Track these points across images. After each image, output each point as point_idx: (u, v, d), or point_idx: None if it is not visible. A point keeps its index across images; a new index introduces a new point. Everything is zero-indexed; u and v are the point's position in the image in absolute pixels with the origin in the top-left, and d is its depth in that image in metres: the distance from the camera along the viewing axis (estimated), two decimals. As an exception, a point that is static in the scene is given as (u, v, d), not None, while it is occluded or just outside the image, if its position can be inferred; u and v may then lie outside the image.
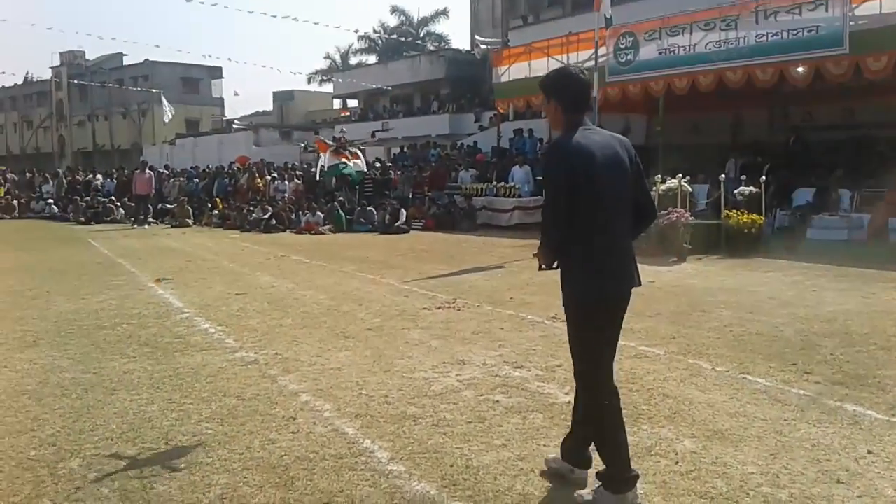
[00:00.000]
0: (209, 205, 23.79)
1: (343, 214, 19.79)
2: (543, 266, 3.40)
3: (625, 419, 4.33)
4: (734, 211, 12.56)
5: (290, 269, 11.84)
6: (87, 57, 63.76)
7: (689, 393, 4.96)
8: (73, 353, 6.29)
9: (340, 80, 44.37)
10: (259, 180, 24.18)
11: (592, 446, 3.56)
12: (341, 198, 20.90)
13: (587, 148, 3.27)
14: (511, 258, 12.18)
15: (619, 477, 3.33)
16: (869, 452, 3.88)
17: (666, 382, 5.21)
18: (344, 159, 17.81)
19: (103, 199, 26.19)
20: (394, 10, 47.61)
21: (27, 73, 70.99)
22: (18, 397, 5.08)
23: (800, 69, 13.99)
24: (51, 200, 28.25)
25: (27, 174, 33.14)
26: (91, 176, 31.31)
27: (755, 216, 12.39)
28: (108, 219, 24.31)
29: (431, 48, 42.99)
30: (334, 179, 20.93)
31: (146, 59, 56.19)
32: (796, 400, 4.76)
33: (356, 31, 46.04)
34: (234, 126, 47.91)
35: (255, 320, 7.66)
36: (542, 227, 3.38)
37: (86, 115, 63.28)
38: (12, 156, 65.08)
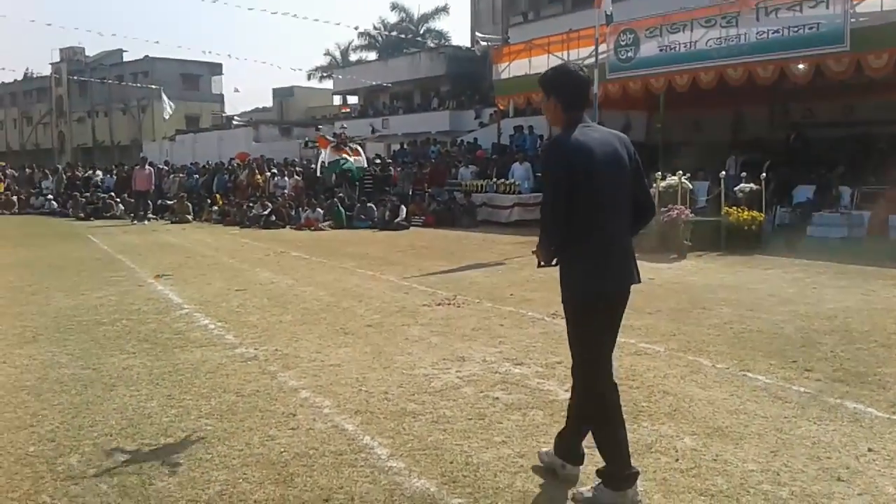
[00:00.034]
0: (209, 201, 23.78)
1: (343, 211, 19.77)
2: (542, 263, 3.39)
3: (625, 416, 4.32)
4: (734, 208, 12.55)
5: (289, 266, 11.83)
6: (86, 53, 63.77)
7: (690, 390, 4.95)
8: (73, 349, 6.28)
9: (340, 77, 44.30)
10: (259, 176, 24.17)
11: (585, 442, 3.56)
12: (341, 194, 20.88)
13: (586, 145, 3.27)
14: (511, 255, 12.18)
15: (620, 474, 3.32)
16: (869, 450, 3.88)
17: (666, 379, 5.21)
18: (345, 155, 17.79)
19: (103, 195, 26.17)
20: (394, 6, 47.54)
21: (27, 69, 70.96)
22: (17, 393, 5.07)
23: (800, 66, 13.98)
24: (50, 196, 28.25)
25: (27, 170, 33.12)
26: (91, 172, 31.29)
27: (755, 213, 12.39)
28: (108, 215, 24.27)
29: (431, 45, 42.89)
30: (334, 176, 20.90)
31: (146, 56, 56.14)
32: (797, 397, 4.75)
33: (356, 28, 46.04)
34: (234, 122, 47.85)
35: (255, 316, 7.65)
36: (541, 225, 3.38)
37: (85, 112, 63.23)
38: (12, 152, 65.04)
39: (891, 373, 5.26)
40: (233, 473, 3.71)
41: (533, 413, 4.53)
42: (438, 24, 48.05)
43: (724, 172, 13.47)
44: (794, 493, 3.40)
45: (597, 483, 3.40)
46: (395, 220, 18.55)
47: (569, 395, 3.66)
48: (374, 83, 38.72)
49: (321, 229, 18.82)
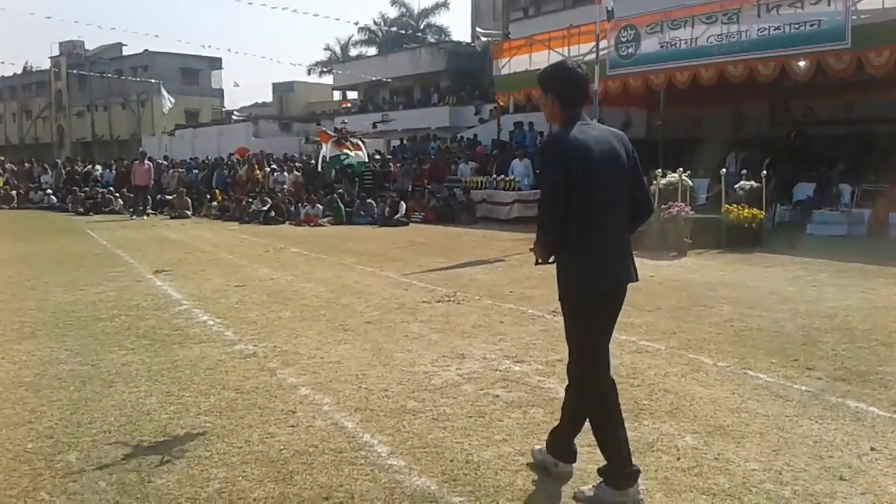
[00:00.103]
0: (208, 196, 23.74)
1: (342, 207, 19.75)
2: (540, 260, 3.39)
3: (626, 414, 4.31)
4: (735, 206, 12.53)
5: (289, 262, 11.81)
6: (86, 47, 63.55)
7: (691, 388, 4.94)
8: (71, 345, 6.26)
9: (340, 72, 44.22)
10: (258, 172, 24.15)
11: (585, 440, 3.56)
12: (341, 190, 20.85)
13: (584, 143, 3.26)
14: (511, 251, 12.15)
15: (620, 472, 3.31)
16: (872, 449, 3.86)
17: (667, 377, 5.19)
18: (346, 150, 17.75)
19: (102, 190, 26.12)
20: (394, 1, 47.39)
21: (26, 63, 70.74)
22: (16, 389, 5.06)
23: (801, 63, 13.96)
24: (49, 191, 28.20)
25: (26, 164, 33.08)
26: (90, 166, 31.22)
27: (756, 211, 12.36)
28: (107, 209, 24.23)
29: (432, 40, 42.84)
30: (334, 171, 20.87)
31: (146, 50, 56.05)
32: (798, 396, 4.74)
33: (356, 23, 45.76)
34: (234, 117, 47.74)
35: (254, 312, 7.63)
36: (539, 222, 3.37)
37: (85, 106, 63.07)
38: (11, 146, 64.88)
39: (892, 371, 5.24)
40: (232, 471, 3.69)
41: (533, 411, 4.52)
42: (439, 19, 48.25)
43: (724, 170, 13.44)
44: (797, 493, 3.39)
45: (598, 482, 3.38)
46: (395, 217, 18.53)
47: (569, 393, 3.64)
48: (373, 78, 38.64)
49: (320, 225, 18.80)
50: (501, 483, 3.54)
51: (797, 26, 13.63)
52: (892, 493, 3.39)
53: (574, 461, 3.61)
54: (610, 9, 14.91)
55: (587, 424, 3.53)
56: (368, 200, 19.90)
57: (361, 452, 3.91)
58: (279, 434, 4.17)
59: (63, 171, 30.29)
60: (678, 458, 3.78)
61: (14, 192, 28.20)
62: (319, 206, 19.92)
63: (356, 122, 30.66)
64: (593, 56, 14.94)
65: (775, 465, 3.68)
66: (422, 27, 45.96)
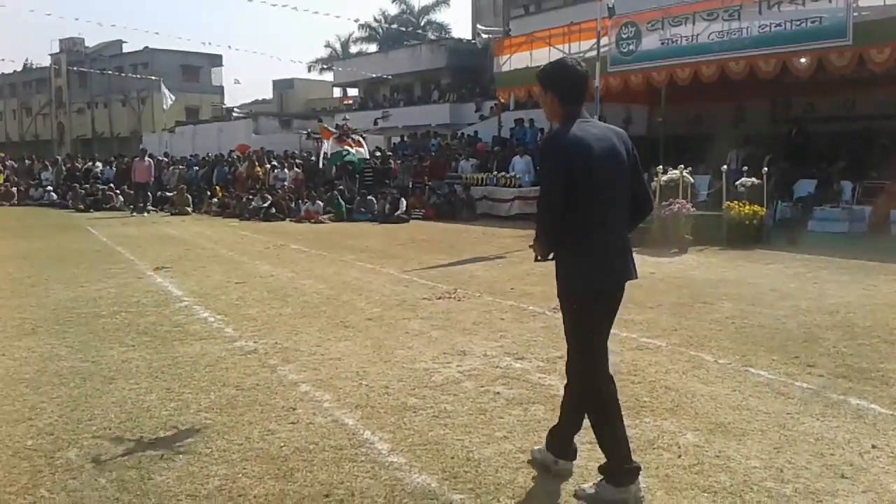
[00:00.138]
0: (208, 193, 23.71)
1: (343, 203, 19.73)
2: (539, 257, 3.40)
3: (626, 412, 4.31)
4: (736, 202, 12.51)
5: (289, 258, 11.80)
6: (86, 44, 63.54)
7: (692, 385, 4.93)
8: (72, 342, 6.26)
9: (340, 69, 44.19)
10: (258, 169, 24.12)
11: (585, 438, 3.56)
12: (341, 187, 20.83)
13: (584, 140, 3.26)
14: (511, 248, 12.13)
15: (620, 469, 3.31)
16: (873, 447, 3.85)
17: (668, 374, 5.18)
18: (347, 147, 17.79)
19: (102, 187, 26.11)
20: (395, -2, 47.38)
21: (26, 60, 70.74)
22: (16, 386, 5.05)
23: (802, 60, 13.94)
24: (50, 188, 28.17)
25: (26, 161, 33.03)
26: (90, 163, 31.19)
27: (756, 207, 12.34)
28: (107, 206, 24.24)
29: (432, 37, 42.81)
30: (334, 168, 20.88)
31: (146, 47, 55.89)
32: (799, 393, 4.73)
33: (356, 20, 45.84)
34: (234, 114, 47.70)
35: (255, 309, 7.62)
36: (538, 219, 3.37)
37: (85, 103, 63.04)
38: (11, 143, 64.88)
39: (894, 369, 5.23)
40: (232, 468, 3.69)
41: (534, 408, 4.51)
42: (439, 16, 48.23)
43: (725, 167, 13.43)
44: (798, 491, 3.38)
45: (599, 479, 3.38)
46: (395, 213, 18.52)
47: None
48: (374, 75, 38.61)
49: (321, 222, 18.78)
50: (502, 480, 3.53)
51: (798, 23, 13.61)
52: (893, 492, 3.38)
53: (574, 458, 3.61)
54: (611, 6, 14.93)
55: (587, 422, 3.52)
56: (369, 197, 19.89)
57: (362, 449, 3.90)
58: (279, 431, 4.16)
59: (63, 168, 30.26)
60: (679, 456, 3.77)
61: (14, 189, 28.18)
62: (320, 202, 19.90)
63: (357, 118, 30.67)
64: (594, 53, 14.95)
65: (776, 463, 3.67)
66: (422, 24, 45.91)
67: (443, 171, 21.70)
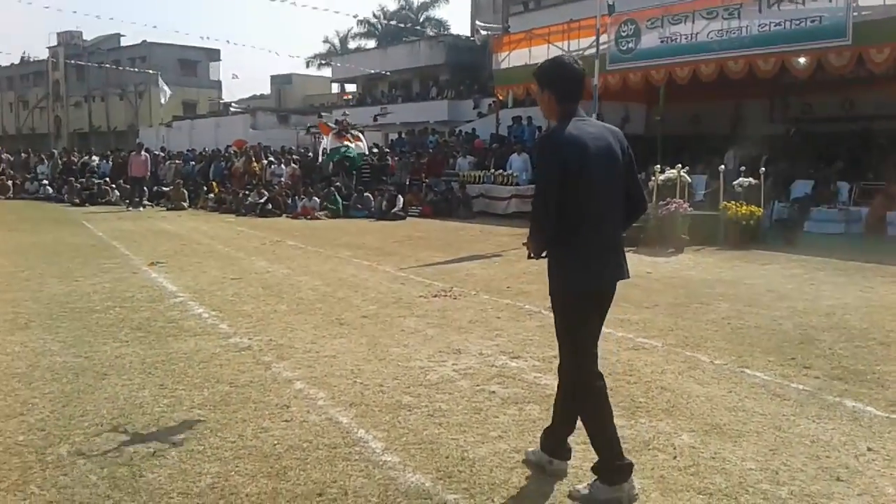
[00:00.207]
0: (205, 188, 23.65)
1: (339, 200, 19.69)
2: (533, 255, 3.39)
3: (622, 412, 4.31)
4: (733, 202, 12.50)
5: (285, 255, 11.77)
6: (84, 37, 63.33)
7: (688, 386, 4.91)
8: (65, 337, 6.22)
9: (339, 65, 44.11)
10: (255, 164, 24.05)
11: (579, 438, 3.54)
12: (338, 183, 20.79)
13: (580, 139, 3.26)
14: (508, 246, 12.12)
15: (612, 467, 3.30)
16: (869, 449, 3.84)
17: (664, 375, 5.16)
18: (346, 142, 17.74)
19: (98, 181, 26.02)
20: (393, -6, 47.35)
21: (24, 53, 70.59)
22: (8, 381, 5.01)
23: (801, 60, 13.91)
24: (46, 181, 28.09)
25: (22, 154, 32.95)
26: (87, 157, 31.11)
27: (753, 208, 12.34)
28: (103, 201, 24.16)
29: (431, 33, 42.72)
30: (332, 164, 20.82)
31: (144, 41, 55.82)
32: (795, 395, 4.71)
33: (355, 16, 45.81)
34: (232, 109, 47.63)
35: (250, 306, 7.59)
36: (533, 217, 3.38)
37: (82, 96, 62.89)
38: (8, 136, 64.68)
39: (889, 371, 5.22)
40: (225, 466, 3.66)
41: (529, 407, 4.49)
42: (438, 12, 47.87)
43: (722, 166, 13.42)
44: (794, 493, 3.36)
45: (593, 480, 3.36)
46: (392, 210, 18.48)
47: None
48: (372, 71, 38.54)
49: (317, 218, 18.74)
50: (496, 480, 3.51)
51: (798, 22, 13.58)
52: (889, 495, 3.36)
53: (568, 458, 3.60)
54: (611, 3, 14.88)
55: (580, 423, 3.50)
56: (366, 194, 19.85)
57: (356, 448, 3.88)
58: (273, 429, 4.14)
59: (59, 162, 30.17)
60: (674, 457, 3.75)
61: (10, 183, 28.07)
62: (316, 199, 19.86)
63: (355, 114, 30.59)
64: (593, 50, 14.90)
65: (772, 465, 3.65)
66: (421, 20, 45.82)
67: (440, 168, 21.67)
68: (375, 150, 24.71)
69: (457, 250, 12.09)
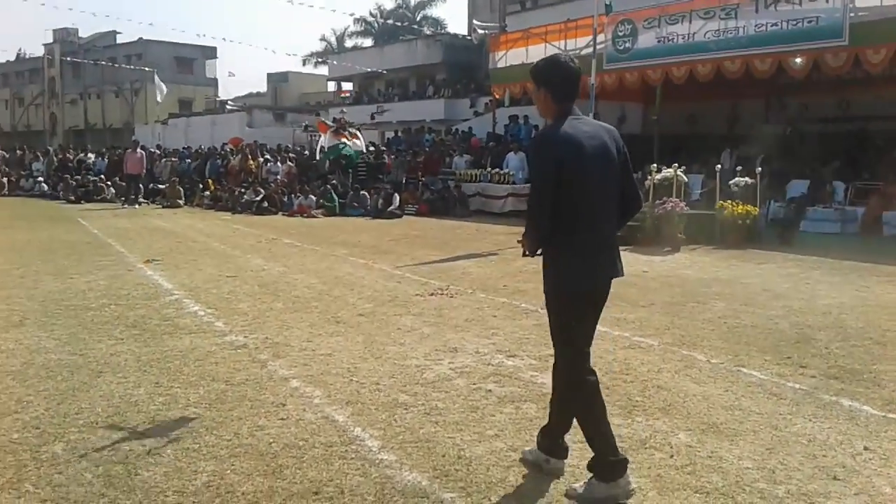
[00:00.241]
0: (201, 186, 23.61)
1: (336, 198, 19.66)
2: (528, 253, 3.40)
3: (619, 410, 4.31)
4: (729, 202, 12.52)
5: (281, 253, 11.74)
6: (80, 34, 63.14)
7: (684, 385, 4.91)
8: (60, 334, 6.20)
9: (336, 63, 44.03)
10: (251, 162, 23.99)
11: (575, 438, 3.54)
12: (334, 181, 20.75)
13: (575, 138, 3.27)
14: (504, 245, 12.12)
15: (607, 462, 3.30)
16: (865, 449, 3.84)
17: (660, 374, 5.16)
18: (344, 139, 17.75)
19: (94, 178, 25.96)
20: (390, -8, 47.27)
21: (19, 50, 70.43)
22: (2, 378, 4.99)
23: (798, 60, 13.93)
24: (41, 179, 27.98)
25: (18, 152, 32.80)
26: (82, 154, 31.02)
27: (750, 207, 12.35)
28: (99, 198, 24.10)
29: (428, 32, 42.69)
30: (328, 162, 20.80)
31: (140, 38, 55.73)
32: (792, 394, 4.71)
33: (352, 14, 45.82)
34: (228, 107, 47.52)
35: (246, 304, 7.57)
36: (528, 215, 3.38)
37: (78, 94, 62.74)
38: (3, 133, 64.48)
39: (885, 370, 5.23)
40: (220, 464, 3.65)
41: (526, 406, 4.48)
42: (435, 11, 48.04)
43: (719, 166, 13.43)
44: (790, 492, 3.36)
45: (589, 478, 3.36)
46: (388, 209, 18.46)
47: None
48: (369, 70, 38.49)
49: (313, 216, 18.72)
50: (493, 479, 3.50)
51: (795, 23, 13.59)
52: (886, 494, 3.36)
53: (565, 457, 3.59)
54: (608, 3, 14.88)
55: (576, 421, 3.50)
56: (362, 192, 19.82)
57: (352, 446, 3.87)
58: (269, 427, 4.12)
59: (55, 159, 30.07)
60: (671, 456, 3.75)
61: (5, 180, 27.97)
62: (312, 197, 19.83)
63: (351, 113, 30.57)
64: (590, 50, 14.89)
65: (769, 464, 3.65)
66: (418, 19, 45.80)
67: (436, 166, 21.65)
68: (372, 149, 24.68)
69: (453, 249, 12.09)
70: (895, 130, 14.76)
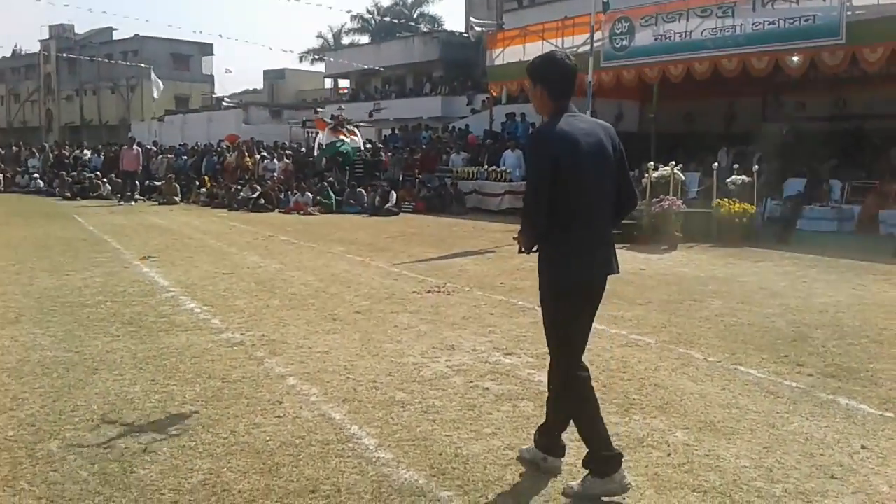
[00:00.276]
0: (197, 183, 23.55)
1: (332, 195, 19.63)
2: (523, 249, 3.40)
3: (616, 408, 4.31)
4: (726, 200, 12.52)
5: (277, 250, 11.72)
6: (76, 30, 63.05)
7: (681, 383, 4.91)
8: (56, 331, 6.18)
9: (332, 60, 43.98)
10: (248, 159, 23.94)
11: (566, 435, 3.54)
12: (331, 178, 20.72)
13: (571, 135, 3.27)
14: (501, 243, 12.10)
15: (601, 457, 3.30)
16: (863, 447, 3.84)
17: (657, 372, 5.15)
18: (342, 136, 17.72)
19: (90, 175, 25.89)
20: (387, -11, 47.19)
21: (15, 46, 70.18)
22: (-3, 375, 4.97)
23: (795, 59, 13.93)
24: (36, 175, 27.91)
25: (13, 148, 32.72)
26: (78, 151, 30.93)
27: (746, 205, 12.36)
28: (95, 195, 24.04)
29: (425, 29, 42.67)
30: (325, 160, 20.76)
31: (136, 34, 55.53)
32: (789, 392, 4.71)
33: (349, 11, 45.85)
34: (224, 104, 47.46)
35: (242, 301, 7.55)
36: (524, 212, 3.39)
37: (74, 90, 62.58)
38: (-1, 129, 64.38)
39: (882, 369, 5.23)
40: (217, 462, 3.63)
41: (523, 404, 4.47)
42: (432, 8, 48.12)
43: (716, 164, 13.44)
44: (788, 491, 3.36)
45: (585, 475, 3.35)
46: (385, 206, 18.43)
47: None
48: (366, 67, 38.45)
49: (310, 213, 18.69)
50: (490, 477, 3.49)
51: (792, 21, 13.60)
52: (883, 493, 3.36)
53: (563, 455, 3.58)
54: (605, 0, 14.86)
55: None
56: (359, 189, 19.80)
57: (349, 444, 3.85)
58: (265, 425, 4.11)
59: (51, 156, 29.99)
60: (669, 454, 3.74)
61: (0, 176, 27.90)
62: (309, 194, 19.80)
63: (349, 110, 30.54)
64: (587, 48, 14.88)
65: (766, 463, 3.65)
66: (415, 16, 45.80)
67: (433, 164, 21.63)
68: (369, 146, 24.64)
69: (450, 246, 12.08)
70: (892, 129, 14.77)
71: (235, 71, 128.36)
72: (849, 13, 12.88)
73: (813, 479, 3.48)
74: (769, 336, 6.17)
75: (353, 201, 19.46)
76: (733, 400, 4.56)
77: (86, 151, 30.60)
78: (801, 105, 18.12)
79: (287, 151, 25.35)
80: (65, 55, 57.31)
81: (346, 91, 44.21)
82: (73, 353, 5.53)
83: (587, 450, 3.36)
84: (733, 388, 4.79)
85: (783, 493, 3.33)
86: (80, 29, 62.94)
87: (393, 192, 19.05)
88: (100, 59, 49.44)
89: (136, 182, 23.18)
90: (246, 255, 10.95)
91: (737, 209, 12.24)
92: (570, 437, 3.61)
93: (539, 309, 3.49)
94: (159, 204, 21.73)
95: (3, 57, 66.32)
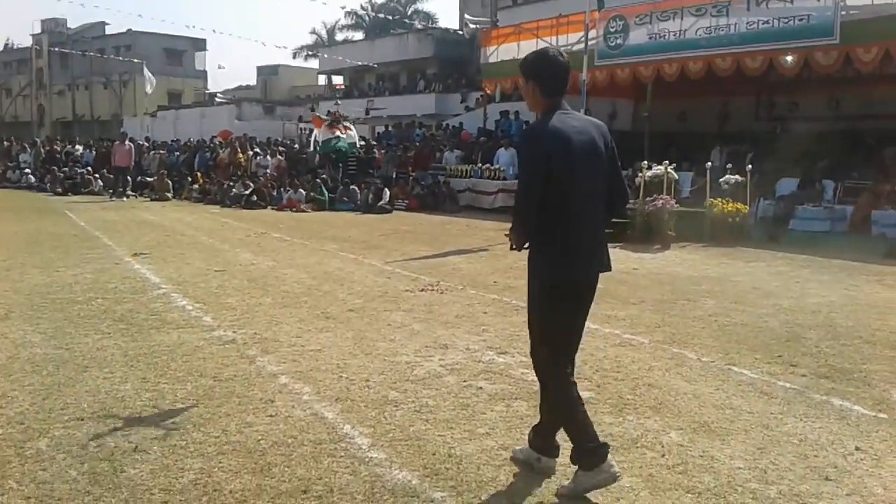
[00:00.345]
0: (189, 179, 23.46)
1: (326, 192, 19.58)
2: (515, 247, 3.39)
3: (610, 409, 4.31)
4: (719, 199, 12.53)
5: (270, 247, 11.68)
6: (68, 25, 62.63)
7: (675, 383, 4.89)
8: (46, 328, 6.13)
9: (326, 57, 43.86)
10: (241, 155, 23.86)
11: (559, 436, 3.53)
12: (324, 175, 20.66)
13: (563, 132, 3.26)
14: (495, 241, 12.08)
15: (585, 449, 3.28)
16: (857, 449, 3.83)
17: (651, 372, 5.14)
18: (338, 132, 17.69)
19: (81, 171, 25.77)
20: (382, -14, 47.06)
21: (7, 40, 69.86)
22: (-14, 373, 4.92)
23: (789, 58, 13.96)
24: (28, 170, 27.77)
25: (4, 143, 32.52)
26: (70, 146, 30.78)
27: (739, 205, 12.38)
28: (86, 190, 23.90)
29: (419, 26, 42.59)
30: (318, 156, 20.72)
31: (129, 29, 55.31)
32: (782, 393, 4.71)
33: (343, 7, 45.65)
34: (217, 100, 47.27)
35: (234, 298, 7.51)
36: (515, 209, 3.36)
37: (66, 85, 62.24)
38: (-11, 124, 63.98)
39: (876, 370, 5.23)
40: (208, 462, 3.60)
41: (517, 404, 4.45)
42: (426, 5, 48.19)
43: (709, 163, 13.44)
44: (782, 493, 3.35)
45: (575, 472, 3.34)
46: (379, 204, 18.40)
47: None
48: (360, 64, 38.36)
49: (303, 210, 18.63)
50: (484, 478, 3.47)
51: (786, 21, 13.62)
52: (877, 495, 3.35)
53: (556, 456, 3.56)
54: (600, -2, 14.86)
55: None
56: (352, 186, 19.75)
57: (341, 444, 3.83)
58: (257, 424, 4.08)
59: (42, 151, 29.83)
60: (663, 455, 3.73)
61: (-9, 171, 27.76)
62: (302, 191, 19.74)
63: (342, 106, 30.46)
64: (582, 46, 14.87)
65: (760, 464, 3.64)
66: (409, 13, 45.69)
67: (427, 161, 21.59)
68: (362, 143, 24.57)
69: (443, 244, 12.05)
70: (885, 129, 14.82)
71: (228, 67, 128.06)
72: (843, 13, 12.91)
73: (807, 480, 3.47)
74: (762, 336, 6.16)
75: (346, 198, 19.41)
76: (727, 400, 4.55)
77: (77, 147, 30.45)
78: (794, 105, 18.18)
79: (280, 148, 25.28)
80: (57, 49, 56.93)
81: (341, 87, 44.08)
82: (64, 350, 5.48)
83: (572, 444, 3.35)
84: (727, 389, 4.78)
85: (778, 495, 3.32)
86: (73, 23, 62.63)
87: (386, 189, 19.01)
88: (92, 53, 49.22)
89: (128, 178, 23.07)
90: (238, 252, 10.90)
91: (730, 209, 12.25)
92: (564, 437, 3.59)
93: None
94: (151, 200, 21.65)
95: (-5, 51, 66.01)
